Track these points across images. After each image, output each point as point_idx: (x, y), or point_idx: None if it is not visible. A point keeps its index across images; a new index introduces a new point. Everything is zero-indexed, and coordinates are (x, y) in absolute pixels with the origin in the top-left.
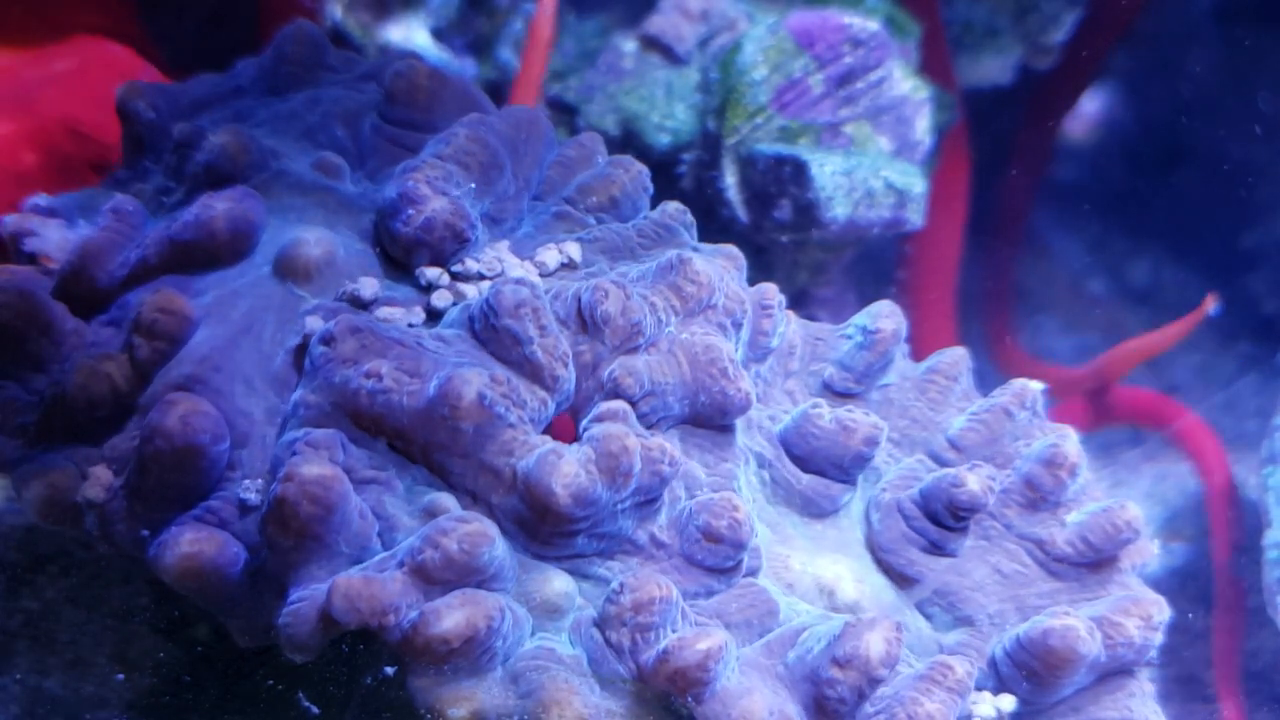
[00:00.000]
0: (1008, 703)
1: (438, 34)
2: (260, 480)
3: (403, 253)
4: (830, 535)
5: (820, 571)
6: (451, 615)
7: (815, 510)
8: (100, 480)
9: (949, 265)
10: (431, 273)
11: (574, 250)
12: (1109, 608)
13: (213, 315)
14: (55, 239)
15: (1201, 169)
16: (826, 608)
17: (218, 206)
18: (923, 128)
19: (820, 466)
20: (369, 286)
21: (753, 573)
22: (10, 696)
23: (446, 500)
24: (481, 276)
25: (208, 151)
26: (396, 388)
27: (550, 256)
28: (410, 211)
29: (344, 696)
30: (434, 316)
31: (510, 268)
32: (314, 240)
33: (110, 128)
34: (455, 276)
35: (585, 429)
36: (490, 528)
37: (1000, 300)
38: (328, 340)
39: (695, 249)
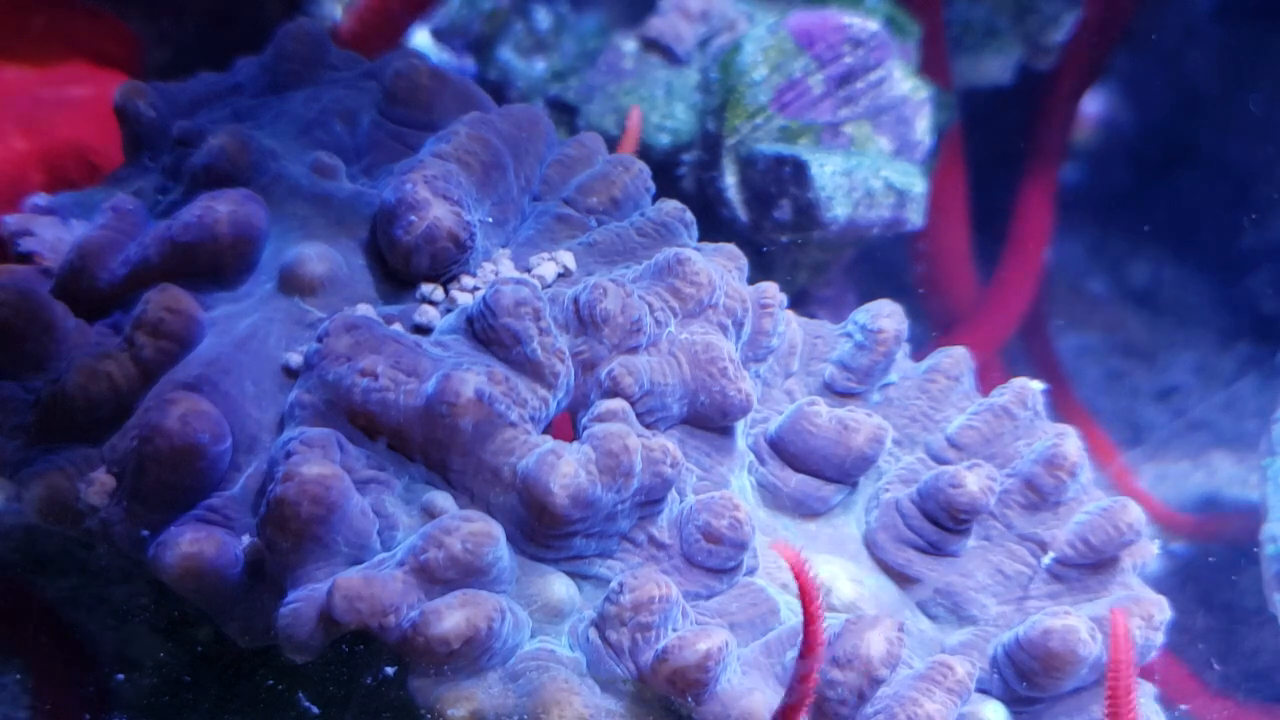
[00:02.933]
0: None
1: (438, 34)
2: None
3: (401, 261)
4: (825, 534)
5: (816, 570)
6: (452, 616)
7: (806, 511)
8: (101, 485)
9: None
10: (427, 288)
11: (568, 259)
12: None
13: (219, 326)
14: (49, 238)
15: (1201, 169)
16: (822, 607)
17: (220, 209)
18: (923, 128)
19: (816, 465)
20: (364, 313)
21: (750, 572)
22: (10, 696)
23: (443, 499)
24: (477, 291)
25: (206, 153)
26: (393, 386)
27: (548, 269)
28: (411, 219)
29: (344, 696)
30: (419, 331)
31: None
32: (317, 256)
33: (118, 161)
34: (450, 295)
35: (585, 428)
36: (494, 527)
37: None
38: (322, 337)
39: (696, 249)
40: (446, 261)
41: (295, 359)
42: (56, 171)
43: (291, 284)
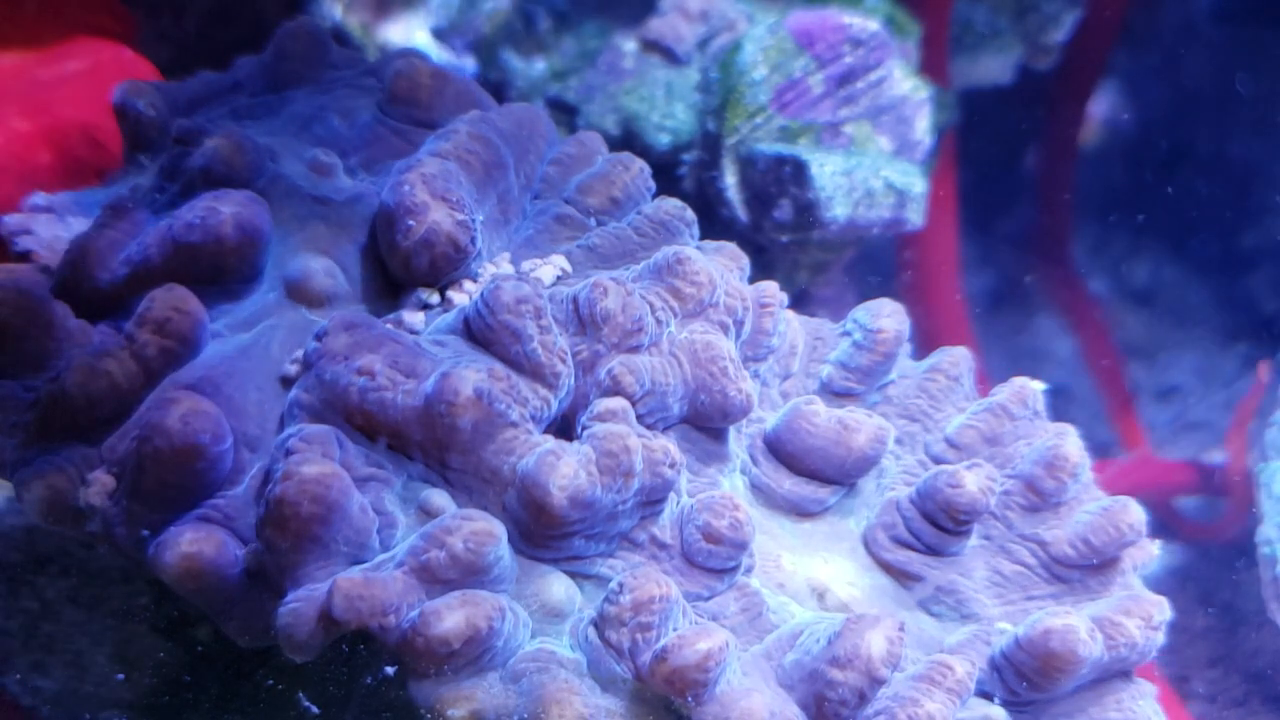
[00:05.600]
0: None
1: (438, 34)
2: None
3: (401, 265)
4: (820, 533)
5: (813, 570)
6: (452, 615)
7: (801, 511)
8: (101, 486)
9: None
10: (424, 293)
11: (563, 264)
12: (1110, 608)
13: (224, 334)
14: (46, 237)
15: (1201, 169)
16: (819, 607)
17: (225, 210)
18: (923, 127)
19: (816, 466)
20: None
21: (748, 571)
22: (10, 696)
23: (440, 498)
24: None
25: (203, 155)
26: (391, 385)
27: (546, 273)
28: (410, 223)
29: (344, 696)
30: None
31: None
32: (322, 270)
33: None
34: (447, 298)
35: (585, 427)
36: (496, 526)
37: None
38: (320, 336)
39: (697, 248)
40: (446, 265)
41: (293, 369)
42: (64, 150)
43: (296, 294)
